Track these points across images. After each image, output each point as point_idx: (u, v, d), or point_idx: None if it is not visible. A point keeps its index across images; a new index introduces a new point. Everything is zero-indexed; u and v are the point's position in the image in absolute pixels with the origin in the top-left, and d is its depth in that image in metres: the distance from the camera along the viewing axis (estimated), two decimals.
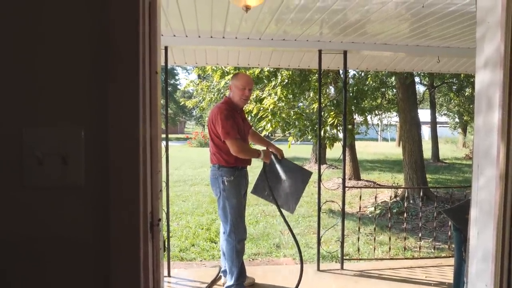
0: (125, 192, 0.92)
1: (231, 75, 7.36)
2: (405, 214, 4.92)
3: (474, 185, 1.22)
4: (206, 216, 7.36)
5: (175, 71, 42.03)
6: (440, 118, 23.86)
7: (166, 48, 3.82)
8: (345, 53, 3.95)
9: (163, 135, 4.03)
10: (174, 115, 40.38)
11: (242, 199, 3.35)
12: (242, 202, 3.35)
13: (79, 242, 1.03)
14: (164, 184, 3.76)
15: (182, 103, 11.17)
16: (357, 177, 11.59)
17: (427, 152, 13.83)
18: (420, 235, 4.81)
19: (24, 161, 0.98)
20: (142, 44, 0.88)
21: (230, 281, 3.30)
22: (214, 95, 9.12)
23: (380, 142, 32.27)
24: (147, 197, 0.93)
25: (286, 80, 6.90)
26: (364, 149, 22.65)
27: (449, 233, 4.81)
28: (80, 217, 1.02)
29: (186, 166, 14.60)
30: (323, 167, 12.90)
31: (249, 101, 7.56)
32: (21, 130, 1.00)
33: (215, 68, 7.39)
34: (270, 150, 3.55)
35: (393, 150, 23.49)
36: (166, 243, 3.99)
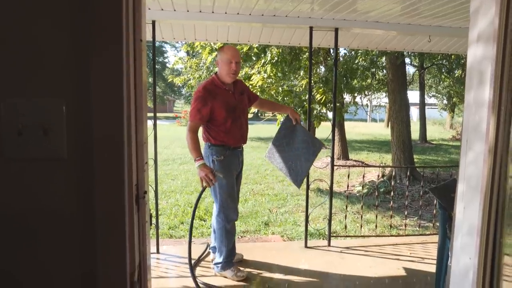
0: (109, 164, 0.90)
1: None
2: (391, 193, 4.99)
3: (462, 160, 1.22)
4: (195, 194, 7.37)
5: (163, 49, 41.36)
6: (428, 100, 24.04)
7: (153, 23, 3.72)
8: (336, 30, 3.90)
9: (151, 114, 3.97)
10: (163, 93, 39.90)
11: (233, 180, 3.23)
12: (233, 182, 3.23)
13: (64, 214, 1.01)
14: (152, 162, 3.73)
15: (171, 80, 11.00)
16: (346, 157, 11.69)
17: (415, 133, 14.00)
18: (406, 213, 4.89)
19: (2, 132, 0.95)
20: (125, 9, 0.84)
21: (219, 258, 3.31)
22: (203, 72, 9.01)
23: (369, 122, 32.52)
24: (132, 169, 0.91)
25: (276, 58, 6.82)
26: (353, 130, 22.80)
27: (434, 211, 4.91)
28: (65, 189, 1.00)
29: (175, 145, 14.52)
30: None
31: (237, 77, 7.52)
32: (0, 100, 0.96)
33: (204, 45, 7.26)
34: (288, 113, 3.46)
35: (382, 130, 23.69)
36: (155, 221, 4.01)
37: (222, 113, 3.10)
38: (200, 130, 3.22)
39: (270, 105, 3.83)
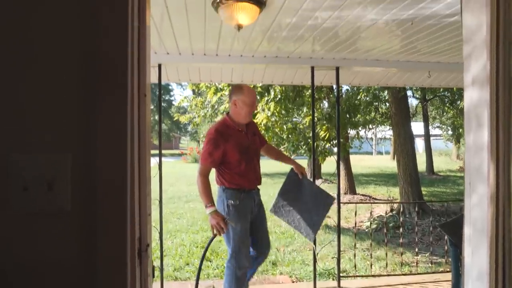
0: (112, 218, 0.90)
1: (225, 91, 7.41)
2: (401, 229, 4.90)
3: (466, 202, 1.21)
4: (201, 233, 7.28)
5: (170, 87, 42.32)
6: (433, 131, 24.05)
7: (159, 66, 3.84)
8: (337, 69, 3.99)
9: (155, 151, 4.01)
10: (169, 130, 40.40)
11: (248, 225, 3.04)
12: (247, 228, 3.03)
13: (66, 267, 1.00)
14: (157, 202, 3.73)
15: (176, 118, 11.18)
16: (353, 191, 11.58)
17: (421, 165, 13.88)
18: (416, 250, 4.77)
19: (10, 187, 0.97)
20: (131, 69, 0.88)
21: None
22: (208, 111, 9.16)
23: (375, 155, 32.44)
24: (135, 222, 0.92)
25: (279, 96, 6.94)
26: (359, 163, 22.70)
27: (446, 247, 4.79)
28: (67, 243, 1.00)
29: (181, 182, 14.51)
30: (318, 181, 12.90)
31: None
32: (7, 155, 0.98)
33: (208, 85, 7.42)
34: (292, 167, 3.32)
35: (388, 163, 23.56)
36: (159, 263, 3.94)
37: (236, 156, 2.98)
38: (213, 172, 3.09)
39: (275, 154, 3.56)
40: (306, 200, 3.25)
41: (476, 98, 1.18)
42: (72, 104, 0.98)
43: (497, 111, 0.98)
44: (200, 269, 3.00)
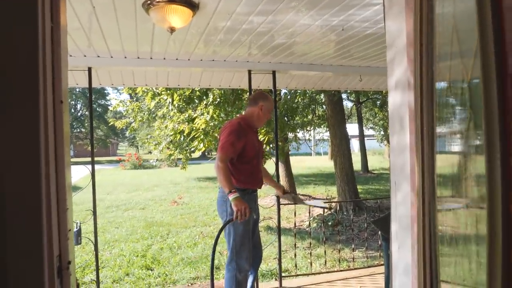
0: (25, 236, 0.82)
1: (162, 95, 7.23)
2: (338, 226, 5.08)
3: (392, 200, 1.27)
4: (141, 242, 7.03)
5: (106, 91, 40.50)
6: (367, 131, 25.37)
7: (89, 70, 3.64)
8: (274, 73, 4.05)
9: (89, 159, 3.79)
10: (105, 136, 38.59)
11: (250, 227, 3.01)
12: (249, 230, 3.01)
13: None
14: (91, 212, 3.53)
15: (112, 123, 10.68)
16: (293, 192, 11.84)
17: (357, 164, 14.59)
18: (353, 246, 4.98)
19: None
20: (43, 74, 0.80)
21: None
22: (145, 115, 8.85)
23: (314, 156, 33.51)
24: (53, 240, 0.84)
25: (219, 99, 6.90)
26: (299, 164, 23.32)
27: (379, 242, 5.05)
28: None
29: (119, 190, 13.92)
30: None
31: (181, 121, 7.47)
32: None
33: (146, 90, 7.19)
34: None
35: (326, 163, 24.45)
36: (96, 276, 3.73)
37: (252, 151, 3.05)
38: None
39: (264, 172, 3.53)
40: None
41: (399, 101, 1.25)
42: None
43: (421, 113, 1.03)
44: (213, 256, 2.83)
